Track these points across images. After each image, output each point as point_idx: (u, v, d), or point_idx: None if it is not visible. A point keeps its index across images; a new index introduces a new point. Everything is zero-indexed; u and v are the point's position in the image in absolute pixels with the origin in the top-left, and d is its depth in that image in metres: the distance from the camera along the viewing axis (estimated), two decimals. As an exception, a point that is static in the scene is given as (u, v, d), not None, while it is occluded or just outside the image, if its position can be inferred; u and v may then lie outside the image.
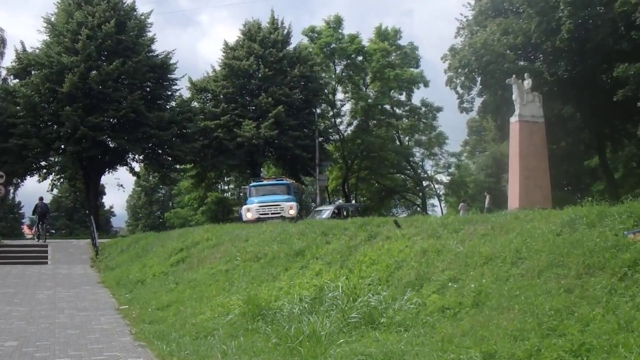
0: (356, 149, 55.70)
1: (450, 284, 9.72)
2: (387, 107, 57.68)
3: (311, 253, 14.84)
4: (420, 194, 62.21)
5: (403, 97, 58.25)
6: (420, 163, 63.35)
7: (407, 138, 61.62)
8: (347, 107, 57.61)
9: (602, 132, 39.62)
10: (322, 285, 11.80)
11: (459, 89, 43.22)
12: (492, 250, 10.21)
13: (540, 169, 24.61)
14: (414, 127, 58.88)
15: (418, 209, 61.00)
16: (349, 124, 57.68)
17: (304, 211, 38.80)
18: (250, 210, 28.51)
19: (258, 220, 26.24)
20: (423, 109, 58.58)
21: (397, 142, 60.09)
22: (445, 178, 62.79)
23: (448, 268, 10.40)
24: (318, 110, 51.28)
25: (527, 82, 25.39)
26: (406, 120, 59.24)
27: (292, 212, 28.09)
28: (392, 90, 56.84)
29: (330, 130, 53.92)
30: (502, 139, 43.61)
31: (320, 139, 49.19)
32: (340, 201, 55.82)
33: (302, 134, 46.95)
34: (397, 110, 59.00)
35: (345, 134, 57.33)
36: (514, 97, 25.36)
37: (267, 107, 45.54)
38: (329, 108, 56.02)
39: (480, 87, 42.05)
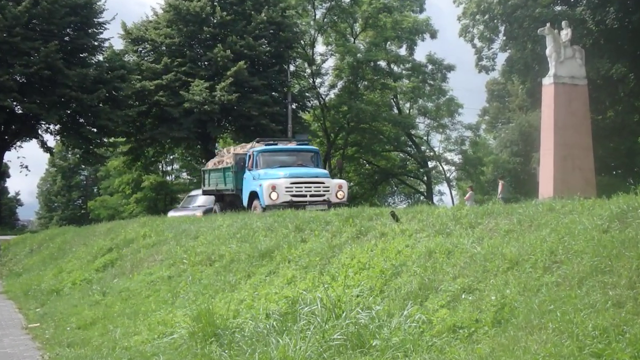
0: (341, 119, 55.77)
1: (463, 296, 9.75)
2: (383, 64, 57.79)
3: (282, 255, 14.82)
4: (425, 177, 62.53)
5: (403, 51, 58.46)
6: (425, 138, 63.68)
7: (407, 105, 61.87)
8: (330, 63, 57.79)
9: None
10: (296, 296, 11.78)
11: (476, 41, 43.40)
12: (518, 251, 10.26)
13: (581, 145, 24.78)
14: (417, 91, 58.94)
15: (422, 197, 61.37)
16: (332, 86, 57.81)
17: None
18: (276, 189, 23.69)
19: (290, 205, 22.72)
20: (429, 66, 58.77)
21: (395, 110, 60.24)
22: (457, 157, 63.11)
23: (461, 275, 10.43)
24: (292, 68, 51.21)
25: (566, 33, 25.47)
26: (407, 82, 59.35)
27: (342, 194, 24.49)
28: (389, 42, 56.90)
29: (307, 94, 53.95)
30: (533, 107, 43.97)
31: (294, 105, 49.18)
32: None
33: (270, 98, 46.86)
34: (396, 69, 59.18)
35: (327, 98, 57.46)
36: (547, 52, 25.45)
37: (225, 63, 45.32)
38: (306, 65, 56.00)
39: (504, 38, 42.20)
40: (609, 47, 36.45)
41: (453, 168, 63.96)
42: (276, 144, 27.40)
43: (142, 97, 45.39)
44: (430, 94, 59.68)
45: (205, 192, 32.23)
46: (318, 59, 57.06)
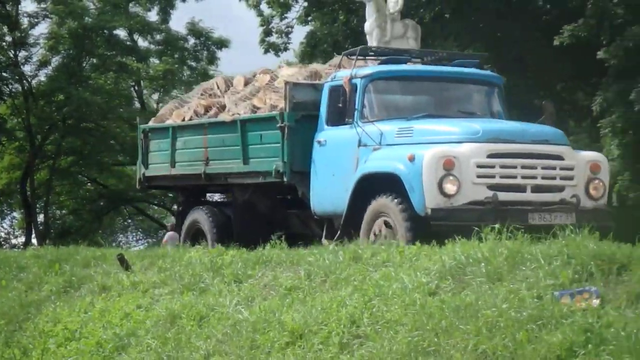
0: (54, 114, 54.84)
1: None
2: (122, 33, 57.45)
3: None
4: (176, 207, 62.55)
5: (154, 17, 58.31)
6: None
7: (156, 97, 61.64)
8: (42, 29, 56.63)
9: (532, 100, 42.27)
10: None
11: (264, 6, 43.81)
12: (304, 319, 10.46)
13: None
14: (171, 76, 58.89)
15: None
16: (44, 63, 56.71)
17: None
18: (456, 171, 14.98)
19: (491, 216, 14.53)
20: (192, 40, 58.94)
21: (138, 104, 59.96)
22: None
23: (217, 352, 10.59)
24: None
25: (395, 1, 26.23)
26: (157, 62, 59.25)
27: (600, 188, 16.21)
28: (133, 2, 56.70)
29: (4, 74, 52.74)
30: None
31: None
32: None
33: None
34: (142, 42, 58.92)
35: (35, 82, 56.30)
36: (367, 28, 26.09)
37: None
38: (5, 29, 54.73)
39: (306, 5, 42.95)
40: (456, 23, 37.83)
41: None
42: (415, 61, 19.22)
43: None
44: (190, 82, 59.76)
45: (151, 185, 24.01)
46: (25, 21, 55.95)
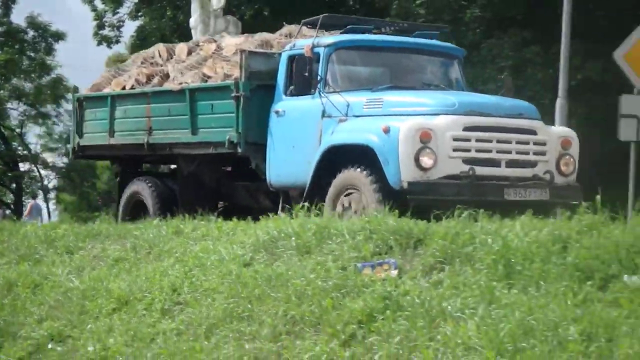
0: None
1: (51, 345, 9.91)
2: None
3: None
4: (14, 185, 61.22)
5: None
6: (19, 131, 62.34)
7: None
8: None
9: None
10: None
11: (98, 3, 43.15)
12: (130, 287, 10.46)
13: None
14: (11, 65, 57.74)
15: (8, 211, 59.97)
16: None
17: None
18: (432, 144, 13.76)
19: (467, 192, 13.90)
20: (31, 33, 57.83)
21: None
22: (60, 160, 62.52)
23: (50, 317, 10.48)
24: None
25: (217, 0, 26.14)
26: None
27: (571, 164, 15.03)
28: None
29: None
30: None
31: None
32: None
33: None
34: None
35: None
36: (191, 22, 25.95)
37: None
38: None
39: (136, 2, 42.53)
40: (274, 20, 38.00)
41: (54, 174, 63.30)
42: (376, 32, 17.08)
43: None
44: (29, 71, 58.79)
45: (86, 155, 21.07)
46: None
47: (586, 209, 9.62)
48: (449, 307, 8.07)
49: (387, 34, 16.43)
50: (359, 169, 13.09)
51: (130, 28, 44.07)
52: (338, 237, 10.05)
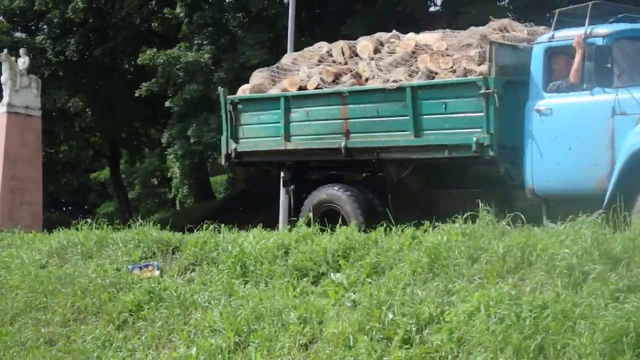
0: None
1: None
2: None
3: None
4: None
5: None
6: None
7: None
8: None
9: (119, 135, 43.96)
10: None
11: None
12: None
13: (31, 179, 26.71)
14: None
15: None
16: None
17: None
18: None
19: None
20: None
21: None
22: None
23: None
24: None
25: (23, 61, 27.64)
26: None
27: None
28: None
29: None
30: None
31: None
32: None
33: None
34: None
35: None
36: (2, 79, 27.28)
37: None
38: None
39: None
40: (68, 79, 39.21)
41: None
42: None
43: None
44: None
45: (241, 161, 16.70)
46: None
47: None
48: (199, 298, 9.64)
49: None
50: None
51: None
52: (114, 245, 11.61)
